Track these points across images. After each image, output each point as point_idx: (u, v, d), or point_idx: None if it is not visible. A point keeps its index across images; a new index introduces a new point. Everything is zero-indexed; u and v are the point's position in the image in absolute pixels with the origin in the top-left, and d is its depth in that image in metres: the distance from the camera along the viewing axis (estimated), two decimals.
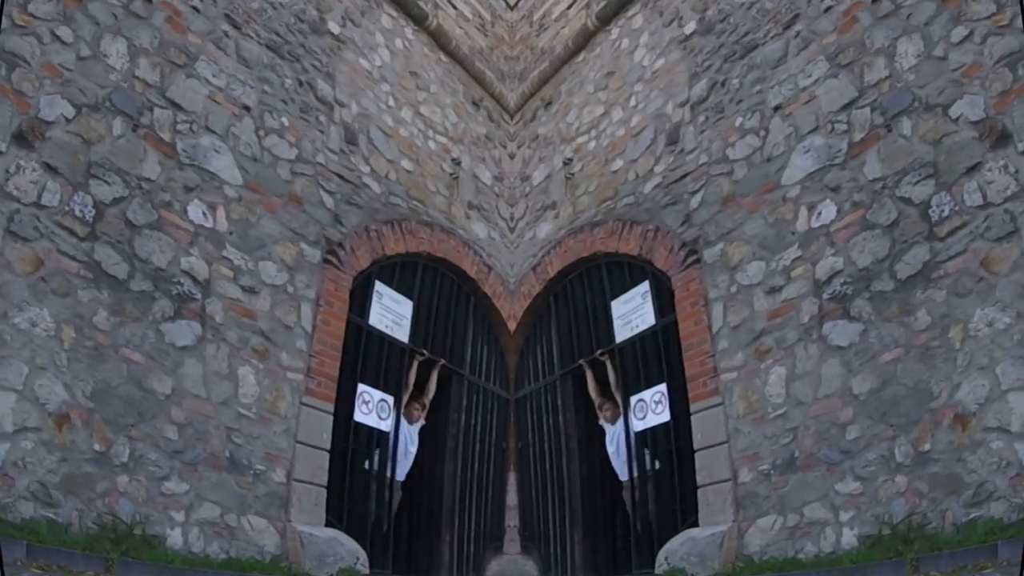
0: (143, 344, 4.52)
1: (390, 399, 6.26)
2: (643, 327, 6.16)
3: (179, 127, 4.94)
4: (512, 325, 7.53)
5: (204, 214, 4.98)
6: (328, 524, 5.48)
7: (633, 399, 6.22)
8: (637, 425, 6.18)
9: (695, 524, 5.46)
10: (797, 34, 5.10)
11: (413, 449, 6.55)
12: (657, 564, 5.54)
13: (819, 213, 4.76)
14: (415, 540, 6.91)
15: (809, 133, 4.87)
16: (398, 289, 6.48)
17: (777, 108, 5.10)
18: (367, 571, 5.51)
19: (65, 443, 4.08)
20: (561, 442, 7.13)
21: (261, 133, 5.44)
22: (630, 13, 6.53)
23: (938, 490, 4.04)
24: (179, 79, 5.00)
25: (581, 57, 7.06)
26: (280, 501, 5.13)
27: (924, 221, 4.31)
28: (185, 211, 4.87)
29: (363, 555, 5.48)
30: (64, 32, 4.48)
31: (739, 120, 5.33)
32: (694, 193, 5.63)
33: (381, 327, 6.25)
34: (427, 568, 6.81)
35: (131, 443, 4.38)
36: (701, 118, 5.65)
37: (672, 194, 5.83)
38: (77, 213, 4.34)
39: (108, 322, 4.38)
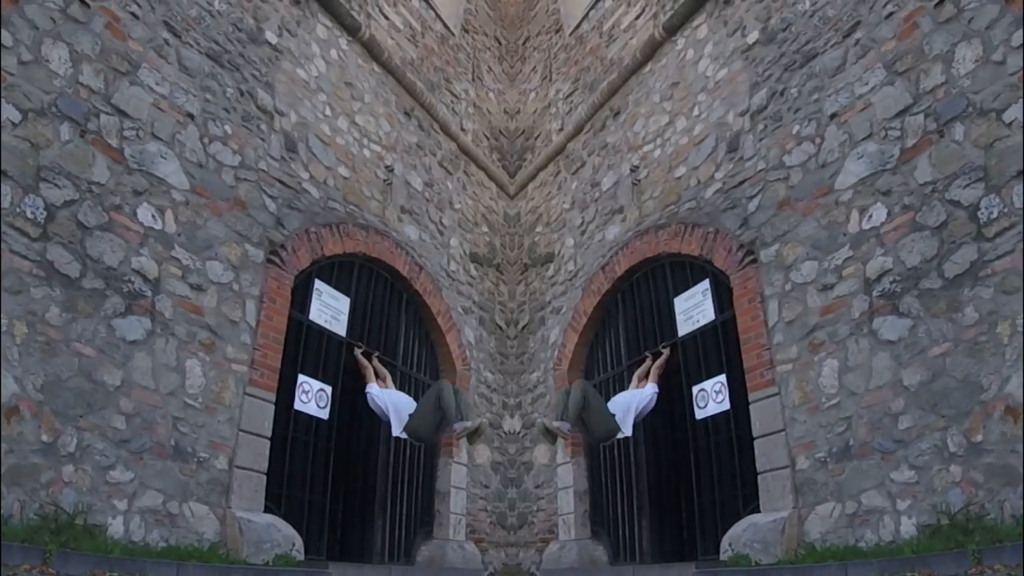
0: (94, 339, 4.64)
1: (328, 389, 6.62)
2: (703, 322, 6.45)
3: (126, 133, 5.07)
4: (442, 321, 8.13)
5: (153, 216, 5.15)
6: (266, 510, 5.69)
7: (695, 389, 6.50)
8: (699, 413, 6.45)
9: (756, 510, 5.67)
10: (857, 42, 5.25)
11: (408, 399, 6.75)
12: (722, 550, 5.73)
13: (870, 216, 4.93)
14: (349, 526, 7.24)
15: (863, 140, 5.04)
16: (336, 287, 6.86)
17: (833, 116, 5.27)
18: (302, 557, 5.64)
19: (12, 435, 4.10)
20: None
21: (205, 140, 5.63)
22: (696, 23, 6.76)
23: (994, 480, 4.10)
24: (123, 86, 5.12)
25: (648, 68, 7.34)
26: (221, 488, 5.31)
27: (972, 222, 4.43)
28: (135, 214, 5.03)
29: (299, 541, 5.65)
30: (2, 35, 4.49)
31: (796, 128, 5.53)
32: (752, 198, 5.86)
33: (320, 322, 6.64)
34: (360, 553, 7.12)
35: (79, 433, 4.46)
36: (760, 127, 5.87)
37: (731, 199, 6.07)
38: (29, 215, 4.40)
39: (60, 318, 4.46)
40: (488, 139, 9.90)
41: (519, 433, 9.41)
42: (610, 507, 7.65)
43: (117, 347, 4.77)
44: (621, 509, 7.48)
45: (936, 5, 4.85)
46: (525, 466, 9.24)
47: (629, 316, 7.56)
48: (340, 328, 6.82)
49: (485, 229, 9.47)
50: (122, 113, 5.05)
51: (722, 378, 6.23)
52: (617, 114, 7.78)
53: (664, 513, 7.21)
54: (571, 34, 8.89)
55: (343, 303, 6.90)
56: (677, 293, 6.80)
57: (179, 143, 5.39)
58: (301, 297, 6.41)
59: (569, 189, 8.63)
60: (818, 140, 5.36)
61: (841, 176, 5.15)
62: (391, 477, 7.42)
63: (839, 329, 5.06)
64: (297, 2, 6.70)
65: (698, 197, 6.47)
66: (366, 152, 7.34)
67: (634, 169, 7.37)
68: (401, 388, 7.48)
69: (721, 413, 6.24)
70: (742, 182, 5.99)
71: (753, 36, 6.02)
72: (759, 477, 5.64)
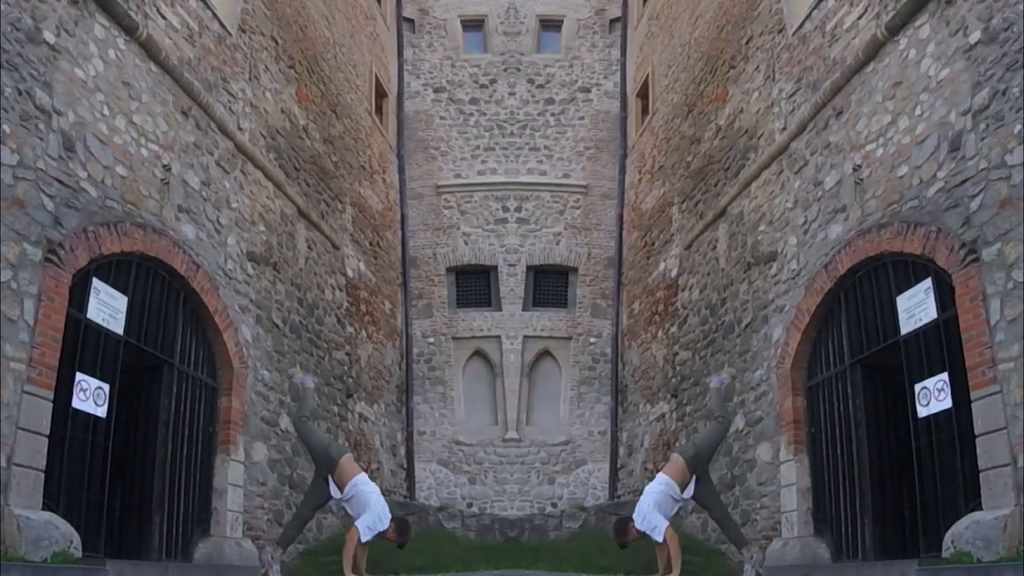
0: None
1: (106, 387, 7.08)
2: (926, 320, 6.98)
3: None
4: (219, 320, 8.73)
5: None
6: (45, 507, 5.99)
7: (917, 387, 7.05)
8: (922, 411, 6.98)
9: (978, 508, 6.15)
10: None
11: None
12: (944, 547, 6.26)
13: None
14: (126, 524, 7.73)
15: None
16: (114, 285, 7.26)
17: None
18: (80, 554, 5.95)
19: None
20: (851, 428, 8.06)
21: None
22: (918, 23, 7.23)
23: None
24: None
25: (870, 67, 7.88)
26: None
27: None
28: None
29: (77, 538, 5.99)
30: None
31: (1018, 127, 5.94)
32: (973, 197, 6.33)
33: (98, 320, 7.04)
34: (137, 551, 7.61)
35: None
36: (982, 126, 6.30)
37: (953, 198, 6.56)
38: None
39: None
40: (265, 138, 10.39)
41: (743, 431, 10.22)
42: (833, 504, 8.29)
43: None
44: (844, 506, 8.10)
45: None
46: (748, 464, 10.03)
47: (851, 314, 8.16)
48: (118, 327, 7.29)
49: (262, 228, 10.03)
50: None
51: (944, 376, 6.72)
52: (840, 113, 8.38)
53: (886, 510, 7.74)
54: (794, 34, 9.53)
55: (121, 302, 7.37)
56: (899, 291, 7.34)
57: None
58: (79, 296, 6.79)
59: (792, 188, 9.31)
60: None
61: None
62: (168, 475, 7.99)
63: None
64: (75, 2, 6.94)
65: (920, 196, 7.00)
66: (144, 151, 7.75)
67: (856, 168, 7.96)
68: (178, 386, 8.17)
69: (943, 411, 6.75)
70: (964, 181, 6.46)
71: (975, 36, 6.45)
72: (981, 475, 6.10)
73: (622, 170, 16.25)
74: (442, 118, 16.66)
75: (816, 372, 8.76)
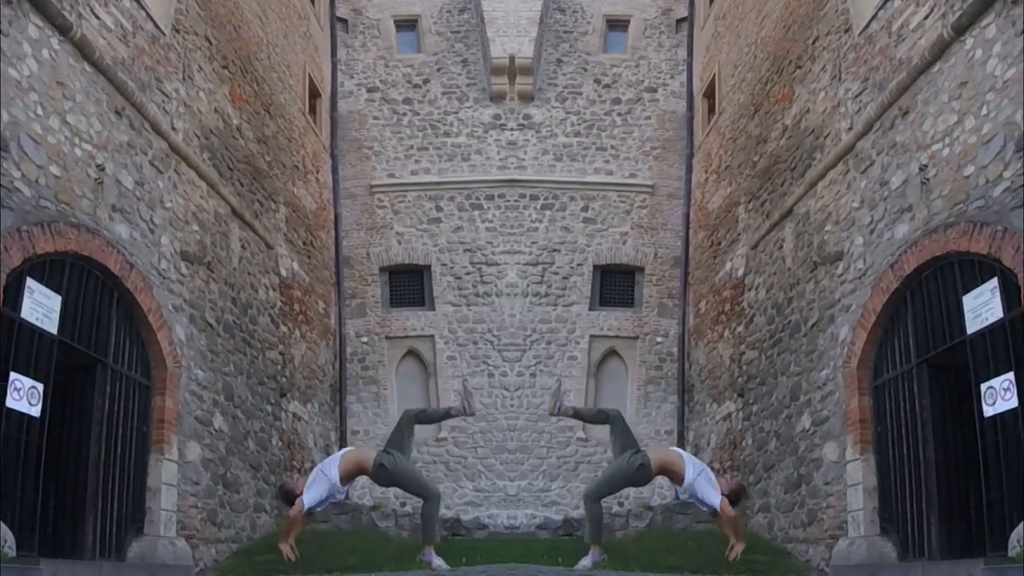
0: None
1: (40, 386, 7.08)
2: (992, 320, 7.04)
3: None
4: (153, 319, 8.82)
5: None
6: None
7: (983, 386, 7.10)
8: (988, 411, 7.05)
9: None
10: None
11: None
12: (1010, 547, 6.39)
13: None
14: (60, 523, 7.79)
15: None
16: (48, 285, 7.32)
17: None
18: (14, 554, 6.04)
19: None
20: (917, 427, 8.14)
21: None
22: (984, 23, 7.26)
23: None
24: None
25: (936, 67, 7.93)
26: None
27: None
28: None
29: (11, 538, 6.07)
30: None
31: None
32: None
33: (32, 320, 7.07)
34: (71, 550, 7.67)
35: None
36: None
37: (1019, 197, 6.61)
38: None
39: None
40: (199, 138, 10.42)
41: (809, 430, 10.33)
42: (899, 504, 8.37)
43: None
44: (910, 506, 8.18)
45: None
46: (815, 463, 10.13)
47: (918, 314, 8.23)
48: (52, 326, 7.34)
49: (196, 227, 10.09)
50: None
51: (1010, 375, 6.78)
52: (906, 113, 8.45)
53: (952, 510, 7.81)
54: (860, 34, 9.60)
55: (55, 301, 7.41)
56: (965, 291, 7.41)
57: None
58: (13, 295, 6.82)
59: (858, 188, 9.39)
60: None
61: None
62: (102, 474, 8.06)
63: None
64: (9, 2, 6.98)
65: (986, 196, 7.06)
66: (77, 151, 7.81)
67: (922, 168, 8.03)
68: (112, 386, 8.20)
69: (1009, 410, 6.80)
70: None
71: None
72: None
73: (688, 170, 16.35)
74: (375, 118, 16.71)
75: (882, 371, 8.84)
